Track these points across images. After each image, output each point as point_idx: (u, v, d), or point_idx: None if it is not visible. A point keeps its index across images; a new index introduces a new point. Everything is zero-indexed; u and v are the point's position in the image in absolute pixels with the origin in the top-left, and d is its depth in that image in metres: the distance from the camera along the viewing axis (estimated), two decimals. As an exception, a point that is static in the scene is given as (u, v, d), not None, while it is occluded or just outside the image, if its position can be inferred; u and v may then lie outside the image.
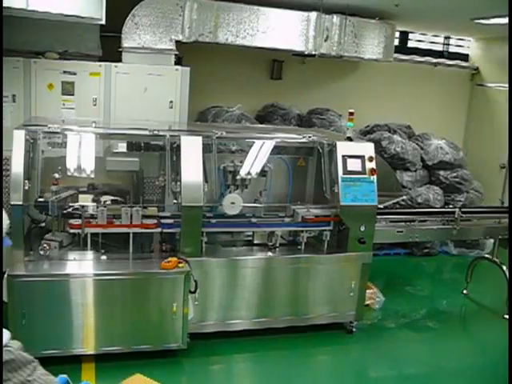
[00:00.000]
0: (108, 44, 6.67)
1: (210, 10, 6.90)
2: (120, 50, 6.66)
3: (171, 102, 6.67)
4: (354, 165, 5.31)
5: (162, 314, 4.80)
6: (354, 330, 5.73)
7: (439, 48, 10.14)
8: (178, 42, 6.84)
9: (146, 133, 5.06)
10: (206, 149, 5.07)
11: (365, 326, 5.96)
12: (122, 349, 4.75)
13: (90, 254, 4.91)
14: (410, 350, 5.74)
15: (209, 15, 6.90)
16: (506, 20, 7.17)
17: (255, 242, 5.49)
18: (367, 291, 5.96)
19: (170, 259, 4.77)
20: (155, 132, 5.03)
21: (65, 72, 6.30)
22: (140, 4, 6.60)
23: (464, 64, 10.16)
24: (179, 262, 4.78)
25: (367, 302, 6.14)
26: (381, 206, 5.65)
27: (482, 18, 7.35)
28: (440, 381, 5.23)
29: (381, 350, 5.61)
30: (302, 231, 5.40)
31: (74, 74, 6.33)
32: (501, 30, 8.30)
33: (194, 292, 4.83)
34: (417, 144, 8.67)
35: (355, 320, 5.70)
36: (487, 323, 6.51)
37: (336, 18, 7.47)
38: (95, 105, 6.45)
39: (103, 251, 4.93)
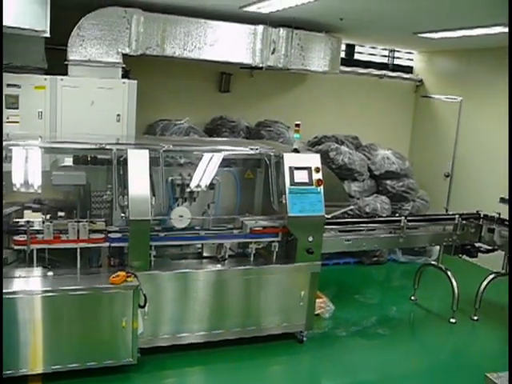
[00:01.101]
0: (54, 57, 6.59)
1: (157, 23, 6.91)
2: (66, 63, 6.60)
3: (118, 115, 6.65)
4: (300, 176, 5.38)
5: (111, 330, 4.75)
6: (304, 339, 5.77)
7: (385, 60, 10.39)
8: (125, 55, 6.83)
9: (93, 146, 5.02)
10: (154, 162, 5.07)
11: (316, 335, 6.01)
12: (70, 367, 4.67)
13: (36, 271, 4.81)
14: (362, 358, 5.81)
15: (156, 28, 6.91)
16: (445, 34, 7.41)
17: (204, 254, 5.49)
18: (317, 300, 6.03)
19: (118, 274, 4.73)
20: (102, 146, 4.99)
21: (9, 85, 6.20)
22: (86, 16, 6.56)
23: (408, 76, 10.43)
24: (128, 277, 4.75)
25: (317, 312, 6.20)
26: (328, 216, 5.73)
27: (424, 32, 7.56)
28: (392, 386, 5.35)
29: (332, 359, 5.67)
30: (251, 243, 5.44)
31: (19, 87, 6.23)
32: (442, 44, 8.60)
33: (144, 306, 4.80)
34: (364, 154, 8.83)
35: (305, 329, 5.75)
36: (435, 328, 6.66)
37: (282, 31, 7.58)
38: (41, 118, 6.37)
39: (50, 267, 4.84)
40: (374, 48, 10.22)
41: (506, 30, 6.60)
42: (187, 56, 7.15)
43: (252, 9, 6.59)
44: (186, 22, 7.05)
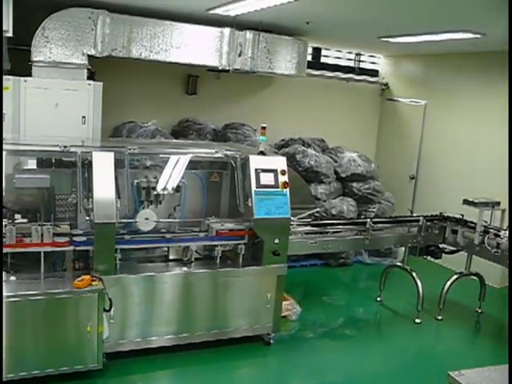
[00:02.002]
0: (18, 57, 6.48)
1: (123, 25, 6.86)
2: (30, 63, 6.50)
3: (84, 117, 6.58)
4: (266, 178, 5.40)
5: (76, 335, 4.69)
6: (271, 341, 5.79)
7: (351, 64, 10.48)
8: (90, 57, 6.75)
9: (57, 149, 4.95)
10: (119, 164, 5.04)
11: (283, 337, 6.04)
12: (34, 373, 4.59)
13: (-2, 276, 4.73)
14: (329, 359, 5.85)
15: (122, 30, 6.85)
16: (409, 39, 7.52)
17: (170, 257, 5.47)
18: (284, 303, 6.06)
19: (82, 277, 4.67)
20: (66, 148, 4.94)
21: (-30, 86, 6.08)
22: (50, 17, 6.47)
23: (374, 80, 10.56)
24: (92, 280, 4.69)
25: (284, 314, 6.22)
26: (294, 219, 5.77)
27: (389, 37, 7.65)
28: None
29: (300, 360, 5.68)
30: (217, 245, 5.44)
31: (-20, 88, 6.12)
32: (407, 49, 8.73)
33: (109, 310, 4.76)
34: (330, 157, 8.90)
35: (272, 332, 5.76)
36: (400, 328, 6.75)
37: (249, 34, 7.59)
38: (3, 120, 6.25)
39: (12, 272, 4.76)
40: (340, 52, 10.30)
41: (466, 35, 6.74)
42: (154, 58, 7.11)
43: (219, 11, 6.59)
44: (152, 23, 7.01)
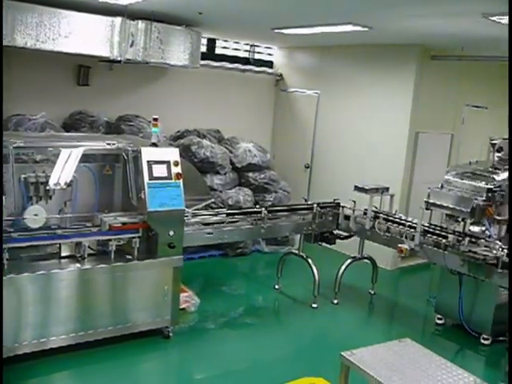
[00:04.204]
0: None
1: (6, 11, 6.49)
2: None
3: (-36, 109, 6.21)
4: (159, 170, 5.36)
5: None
6: (170, 334, 5.76)
7: (246, 55, 10.56)
8: (-31, 45, 6.38)
9: None
10: (4, 159, 4.80)
11: (183, 329, 6.04)
12: None
13: None
14: (231, 348, 5.92)
15: (4, 16, 6.49)
16: (301, 31, 7.67)
17: (63, 254, 5.30)
18: (182, 295, 6.05)
19: (-35, 281, 4.44)
20: None
21: None
22: None
23: (269, 70, 10.70)
24: (-23, 283, 4.47)
25: (183, 306, 6.20)
26: (189, 210, 5.75)
27: (282, 28, 7.77)
28: (262, 371, 5.46)
29: (201, 351, 5.70)
30: (111, 240, 5.33)
31: None
32: (302, 40, 8.91)
33: (-5, 314, 4.54)
34: (226, 148, 8.95)
35: (171, 324, 5.74)
36: (298, 314, 6.94)
37: (141, 24, 7.44)
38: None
39: None
40: (237, 43, 10.34)
41: (354, 28, 6.98)
42: (40, 47, 6.81)
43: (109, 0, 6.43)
44: (38, 10, 6.70)
